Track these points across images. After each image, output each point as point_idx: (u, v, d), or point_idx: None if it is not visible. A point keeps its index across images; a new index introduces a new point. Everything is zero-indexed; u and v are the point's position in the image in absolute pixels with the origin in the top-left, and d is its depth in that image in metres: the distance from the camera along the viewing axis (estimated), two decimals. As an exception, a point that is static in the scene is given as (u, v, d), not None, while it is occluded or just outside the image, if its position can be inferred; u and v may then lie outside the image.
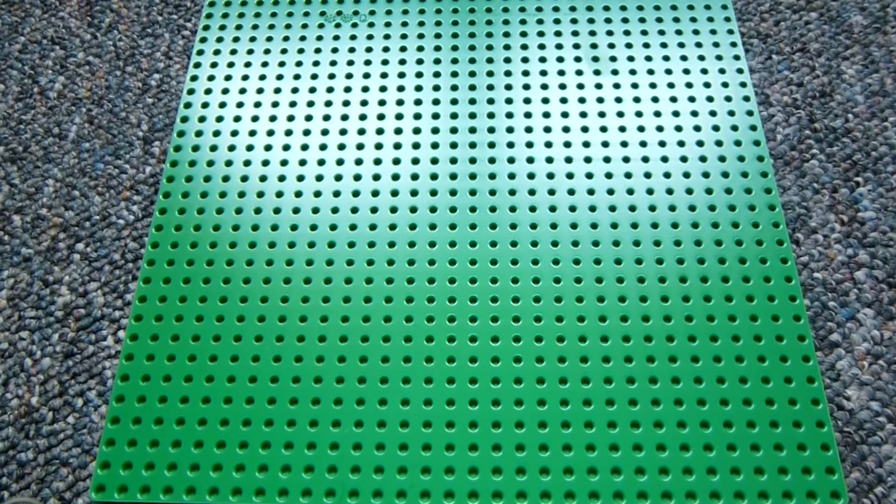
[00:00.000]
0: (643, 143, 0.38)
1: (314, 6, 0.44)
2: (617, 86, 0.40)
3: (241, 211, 0.37)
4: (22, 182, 0.39)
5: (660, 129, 0.39)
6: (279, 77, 0.42)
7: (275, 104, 0.41)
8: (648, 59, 0.41)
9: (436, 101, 0.40)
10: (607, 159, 0.38)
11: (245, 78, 0.42)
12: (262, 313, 0.34)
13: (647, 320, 0.33)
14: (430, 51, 0.42)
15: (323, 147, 0.39)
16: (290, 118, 0.40)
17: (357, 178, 0.38)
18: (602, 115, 0.39)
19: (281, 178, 0.38)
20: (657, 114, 0.39)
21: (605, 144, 0.38)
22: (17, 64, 0.44)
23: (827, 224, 0.37)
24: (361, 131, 0.39)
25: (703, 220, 0.36)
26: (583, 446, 0.31)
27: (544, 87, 0.41)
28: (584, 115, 0.39)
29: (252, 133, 0.40)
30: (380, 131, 0.39)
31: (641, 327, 0.33)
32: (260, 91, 0.41)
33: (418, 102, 0.40)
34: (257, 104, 0.41)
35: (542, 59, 0.42)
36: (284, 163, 0.38)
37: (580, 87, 0.40)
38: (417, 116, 0.40)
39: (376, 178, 0.38)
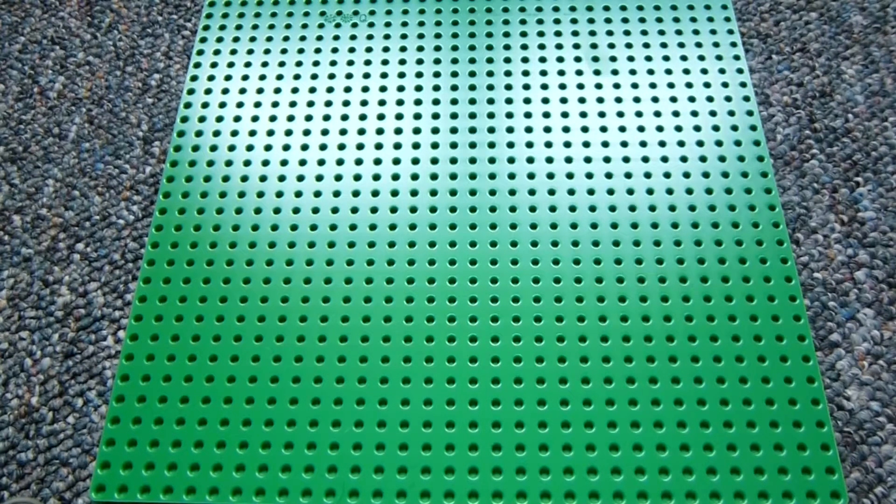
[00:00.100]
0: (643, 143, 0.38)
1: (314, 6, 0.44)
2: (617, 86, 0.40)
3: (241, 211, 0.37)
4: (22, 182, 0.39)
5: (660, 129, 0.39)
6: (279, 77, 0.42)
7: (275, 104, 0.41)
8: (648, 59, 0.41)
9: (436, 101, 0.40)
10: (607, 159, 0.38)
11: (245, 78, 0.42)
12: (262, 313, 0.34)
13: (647, 320, 0.33)
14: (430, 51, 0.42)
15: (323, 147, 0.39)
16: (290, 118, 0.40)
17: (357, 178, 0.38)
18: (602, 115, 0.39)
19: (281, 178, 0.38)
20: (657, 114, 0.39)
21: (605, 144, 0.38)
22: (17, 64, 0.44)
23: (827, 224, 0.37)
24: (361, 131, 0.39)
25: (703, 220, 0.36)
26: (583, 446, 0.31)
27: (544, 87, 0.41)
28: (584, 115, 0.39)
29: (252, 133, 0.40)
30: (380, 131, 0.39)
31: (641, 327, 0.33)
32: (260, 91, 0.41)
33: (418, 102, 0.40)
34: (257, 104, 0.41)
35: (542, 59, 0.42)
36: (284, 163, 0.38)
37: (580, 87, 0.40)
38: (417, 116, 0.40)
39: (376, 178, 0.38)
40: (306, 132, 0.40)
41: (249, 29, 0.44)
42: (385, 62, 0.42)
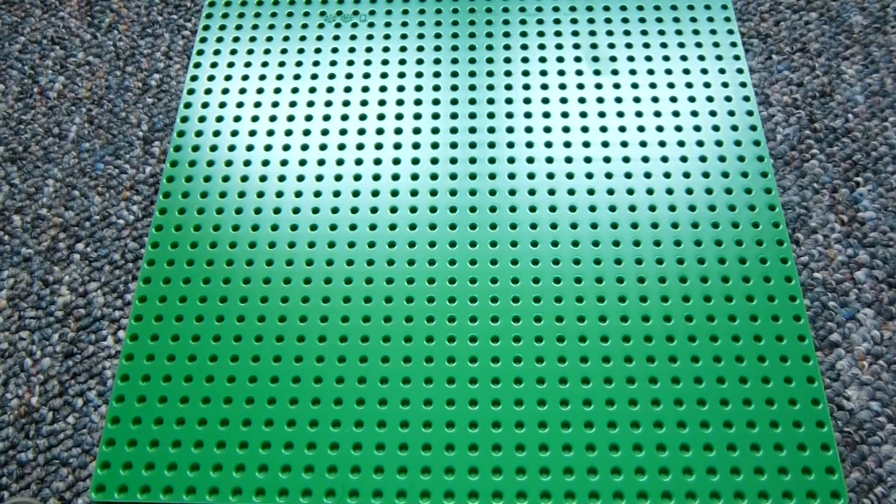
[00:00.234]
0: (643, 143, 0.38)
1: (314, 6, 0.44)
2: (617, 86, 0.40)
3: (241, 211, 0.37)
4: (22, 182, 0.39)
5: (660, 129, 0.39)
6: (279, 77, 0.42)
7: (275, 104, 0.41)
8: (648, 59, 0.41)
9: (436, 101, 0.40)
10: (607, 159, 0.38)
11: (245, 78, 0.42)
12: (262, 313, 0.34)
13: (647, 320, 0.33)
14: (430, 51, 0.42)
15: (323, 147, 0.39)
16: (290, 118, 0.40)
17: (357, 178, 0.38)
18: (602, 115, 0.39)
19: (281, 178, 0.38)
20: (657, 114, 0.39)
21: (605, 144, 0.38)
22: (17, 64, 0.44)
23: (827, 224, 0.37)
24: (361, 131, 0.39)
25: (703, 220, 0.36)
26: (583, 446, 0.31)
27: (544, 87, 0.41)
28: (584, 115, 0.39)
29: (252, 133, 0.40)
30: (380, 131, 0.39)
31: (641, 327, 0.33)
32: (260, 91, 0.41)
33: (418, 102, 0.40)
34: (257, 104, 0.41)
35: (542, 59, 0.42)
36: (284, 163, 0.38)
37: (580, 87, 0.40)
38: (417, 116, 0.40)
39: (376, 178, 0.38)
40: (306, 132, 0.40)
41: (249, 29, 0.44)
42: (385, 62, 0.42)
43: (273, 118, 0.40)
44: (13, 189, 0.39)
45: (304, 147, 0.39)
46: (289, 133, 0.40)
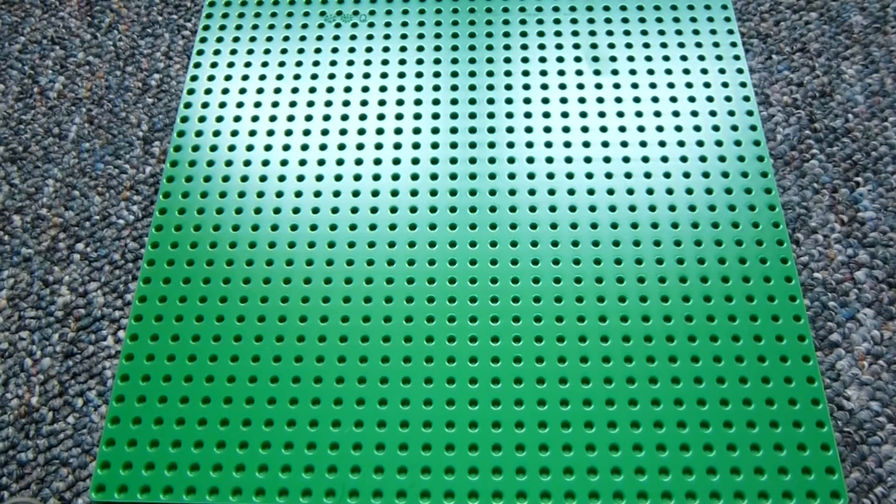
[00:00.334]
0: (643, 143, 0.38)
1: (314, 6, 0.44)
2: (617, 86, 0.40)
3: (241, 211, 0.37)
4: (22, 182, 0.39)
5: (660, 129, 0.39)
6: (279, 77, 0.42)
7: (275, 104, 0.41)
8: (648, 59, 0.41)
9: (436, 101, 0.40)
10: (607, 159, 0.38)
11: (245, 78, 0.42)
12: (262, 313, 0.34)
13: (647, 320, 0.33)
14: (430, 51, 0.42)
15: (323, 147, 0.39)
16: (290, 118, 0.40)
17: (357, 178, 0.38)
18: (602, 115, 0.39)
19: (281, 178, 0.38)
20: (657, 114, 0.39)
21: (605, 144, 0.38)
22: (17, 64, 0.44)
23: (827, 224, 0.37)
24: (361, 131, 0.39)
25: (703, 220, 0.36)
26: (583, 446, 0.31)
27: (544, 87, 0.41)
28: (584, 115, 0.39)
29: (252, 133, 0.40)
30: (380, 131, 0.39)
31: (641, 327, 0.33)
32: (260, 91, 0.41)
33: (418, 102, 0.40)
34: (257, 104, 0.41)
35: (542, 59, 0.42)
36: (284, 163, 0.38)
37: (580, 87, 0.40)
38: (417, 116, 0.40)
39: (376, 178, 0.38)
40: (306, 132, 0.40)
41: (249, 29, 0.44)
42: (385, 62, 0.42)
43: (273, 118, 0.40)
44: (13, 189, 0.39)
45: (304, 147, 0.39)
46: (289, 133, 0.40)
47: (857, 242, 0.36)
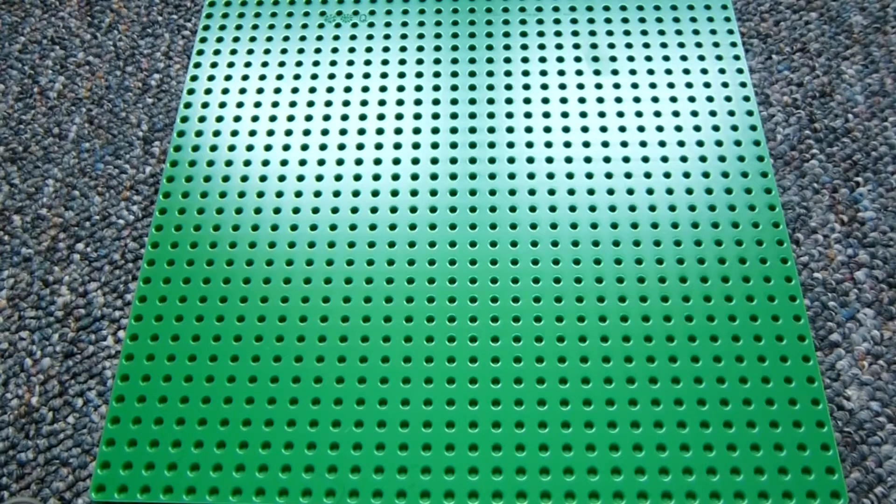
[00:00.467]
0: (643, 143, 0.38)
1: (314, 6, 0.44)
2: (617, 86, 0.40)
3: (241, 211, 0.37)
4: (22, 182, 0.39)
5: (660, 129, 0.39)
6: (279, 77, 0.42)
7: (275, 104, 0.41)
8: (648, 59, 0.41)
9: (436, 101, 0.40)
10: (607, 159, 0.38)
11: (245, 78, 0.42)
12: (262, 313, 0.34)
13: (647, 320, 0.33)
14: (430, 51, 0.42)
15: (323, 147, 0.39)
16: (290, 118, 0.40)
17: (357, 178, 0.38)
18: (602, 115, 0.39)
19: (281, 178, 0.38)
20: (657, 114, 0.39)
21: (605, 144, 0.38)
22: (17, 64, 0.44)
23: (827, 224, 0.37)
24: (361, 131, 0.39)
25: (703, 220, 0.36)
26: (583, 446, 0.31)
27: (544, 87, 0.41)
28: (584, 115, 0.39)
29: (252, 133, 0.40)
30: (380, 131, 0.39)
31: (641, 327, 0.33)
32: (260, 91, 0.41)
33: (418, 102, 0.40)
34: (257, 104, 0.41)
35: (542, 59, 0.42)
36: (284, 163, 0.38)
37: (580, 87, 0.40)
38: (417, 116, 0.40)
39: (376, 178, 0.38)
40: (306, 132, 0.40)
41: (249, 29, 0.44)
42: (385, 62, 0.42)
43: (273, 118, 0.40)
44: (13, 189, 0.39)
45: (304, 147, 0.39)
46: (289, 133, 0.40)
47: (857, 242, 0.36)
